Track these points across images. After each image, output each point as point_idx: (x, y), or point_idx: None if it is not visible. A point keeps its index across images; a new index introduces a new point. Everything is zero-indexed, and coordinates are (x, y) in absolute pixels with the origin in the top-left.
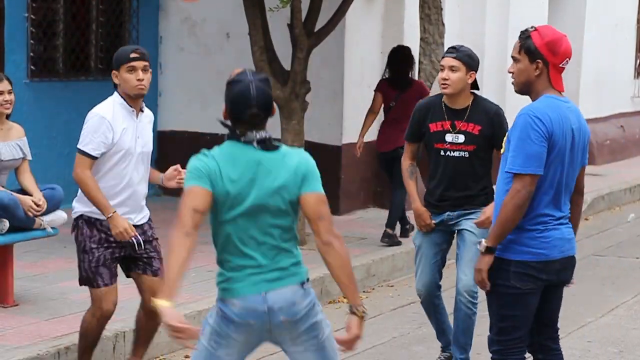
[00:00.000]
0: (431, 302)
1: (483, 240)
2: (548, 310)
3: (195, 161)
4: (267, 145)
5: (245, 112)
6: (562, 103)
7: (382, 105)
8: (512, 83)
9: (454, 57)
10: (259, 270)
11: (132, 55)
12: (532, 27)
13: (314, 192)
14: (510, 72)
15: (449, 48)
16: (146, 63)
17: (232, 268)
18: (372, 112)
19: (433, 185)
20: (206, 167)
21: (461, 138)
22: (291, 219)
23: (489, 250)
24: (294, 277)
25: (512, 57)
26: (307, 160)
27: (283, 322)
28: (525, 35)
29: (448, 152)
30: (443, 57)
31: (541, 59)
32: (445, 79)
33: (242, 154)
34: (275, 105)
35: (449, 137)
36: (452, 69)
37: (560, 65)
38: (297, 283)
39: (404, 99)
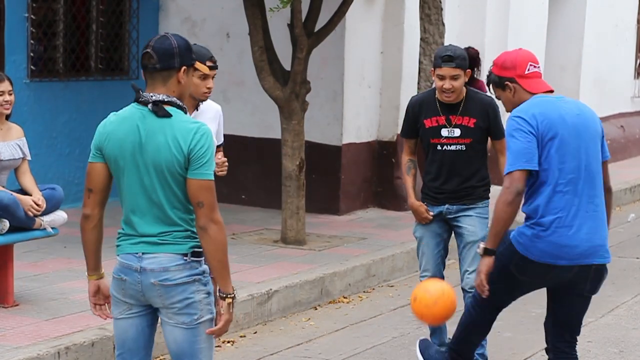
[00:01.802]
0: None
1: (482, 243)
2: (562, 312)
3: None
4: (159, 109)
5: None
6: (550, 98)
7: None
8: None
9: (454, 67)
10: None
11: (209, 64)
12: (491, 65)
13: None
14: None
15: (443, 56)
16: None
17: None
18: None
19: (430, 179)
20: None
21: (457, 132)
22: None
23: (487, 251)
24: (173, 246)
25: (497, 97)
26: None
27: (154, 285)
28: (488, 75)
29: (445, 147)
30: (439, 67)
31: (508, 80)
32: (449, 89)
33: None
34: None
35: (444, 132)
36: (453, 77)
37: (527, 73)
38: (176, 252)
39: None
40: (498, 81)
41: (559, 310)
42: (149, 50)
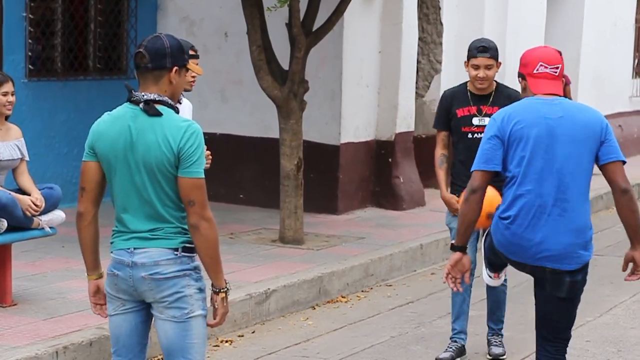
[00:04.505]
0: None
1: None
2: (538, 307)
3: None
4: (149, 108)
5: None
6: (536, 100)
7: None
8: None
9: (489, 57)
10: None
11: (191, 52)
12: None
13: None
14: None
15: (479, 47)
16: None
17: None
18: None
19: (459, 168)
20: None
21: (487, 121)
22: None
23: (452, 247)
24: (164, 241)
25: None
26: None
27: (145, 279)
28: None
29: (475, 135)
30: (475, 57)
31: (521, 77)
32: (483, 78)
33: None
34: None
35: (475, 121)
36: (487, 67)
37: (535, 72)
38: (166, 247)
39: None
40: (518, 74)
41: (536, 305)
42: (141, 50)
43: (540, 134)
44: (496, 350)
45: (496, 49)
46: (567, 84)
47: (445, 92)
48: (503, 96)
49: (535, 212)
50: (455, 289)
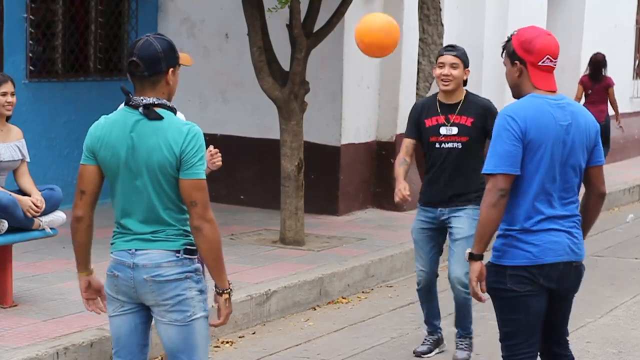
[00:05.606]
0: (429, 289)
1: (468, 249)
2: (550, 317)
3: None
4: (150, 112)
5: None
6: (546, 100)
7: (583, 93)
8: None
9: (455, 55)
10: (134, 231)
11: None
12: (515, 31)
13: None
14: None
15: (446, 46)
16: None
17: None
18: (575, 99)
19: (429, 179)
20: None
21: (454, 130)
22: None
23: (472, 257)
24: (166, 243)
25: (504, 63)
26: None
27: (147, 281)
28: (507, 39)
29: (443, 144)
30: (441, 55)
31: (518, 60)
32: (447, 75)
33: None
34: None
35: (443, 130)
36: (453, 65)
37: (540, 64)
38: (168, 249)
39: (597, 88)
40: (511, 54)
41: (548, 315)
42: (134, 59)
43: (554, 142)
44: (461, 355)
45: (465, 54)
46: (610, 85)
47: (416, 101)
48: (472, 104)
49: (550, 216)
50: (483, 299)
